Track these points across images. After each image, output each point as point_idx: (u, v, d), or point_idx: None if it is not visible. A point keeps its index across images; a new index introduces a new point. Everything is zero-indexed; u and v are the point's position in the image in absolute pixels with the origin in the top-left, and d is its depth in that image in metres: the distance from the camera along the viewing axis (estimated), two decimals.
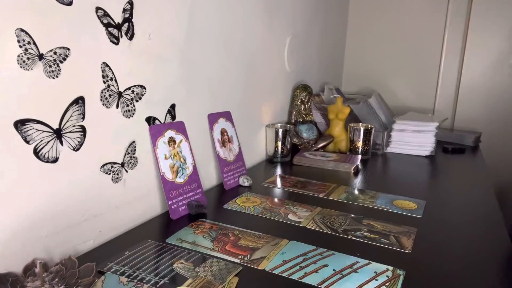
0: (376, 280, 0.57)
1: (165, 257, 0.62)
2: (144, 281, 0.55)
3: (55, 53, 0.56)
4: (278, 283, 0.57)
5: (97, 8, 0.62)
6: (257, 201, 0.88)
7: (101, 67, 0.64)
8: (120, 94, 0.69)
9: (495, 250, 0.69)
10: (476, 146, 1.53)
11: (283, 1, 1.26)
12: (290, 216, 0.79)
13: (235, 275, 0.57)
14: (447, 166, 1.27)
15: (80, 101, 0.61)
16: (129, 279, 0.55)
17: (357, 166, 1.16)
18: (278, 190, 0.97)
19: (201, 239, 0.69)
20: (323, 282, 0.56)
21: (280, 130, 1.20)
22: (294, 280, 0.57)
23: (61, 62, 0.57)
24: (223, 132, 0.99)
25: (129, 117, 0.72)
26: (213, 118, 0.96)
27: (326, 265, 0.61)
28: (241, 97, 1.09)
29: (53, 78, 0.57)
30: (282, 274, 0.58)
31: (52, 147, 0.58)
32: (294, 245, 0.67)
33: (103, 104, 0.66)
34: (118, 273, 0.56)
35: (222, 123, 0.99)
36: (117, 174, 0.70)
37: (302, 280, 0.57)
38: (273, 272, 0.59)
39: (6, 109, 0.51)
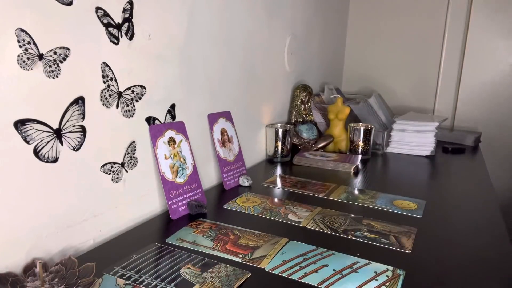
0: (376, 280, 0.57)
1: (173, 261, 0.61)
2: (150, 287, 0.54)
3: (55, 53, 0.56)
4: (278, 283, 0.57)
5: (97, 8, 0.62)
6: (257, 201, 0.88)
7: (101, 67, 0.64)
8: (120, 94, 0.69)
9: (495, 250, 0.69)
10: (476, 146, 1.53)
11: (283, 1, 1.27)
12: (290, 216, 0.79)
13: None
14: (447, 166, 1.27)
15: (80, 101, 0.61)
16: (126, 282, 0.55)
17: (357, 166, 1.16)
18: (278, 190, 0.97)
19: (201, 239, 0.69)
20: (323, 282, 0.56)
21: (280, 130, 1.20)
22: (294, 280, 0.57)
23: (61, 62, 0.57)
24: (223, 132, 0.99)
25: (129, 117, 0.72)
26: (213, 118, 0.96)
27: (326, 265, 0.61)
28: (241, 97, 1.09)
29: (53, 78, 0.57)
30: (282, 274, 0.58)
31: (52, 147, 0.58)
32: (294, 245, 0.67)
33: (103, 104, 0.66)
34: (124, 277, 0.56)
35: (222, 123, 0.99)
36: (117, 174, 0.70)
37: (302, 280, 0.57)
38: (273, 272, 0.59)
39: (6, 109, 0.51)
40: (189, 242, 0.68)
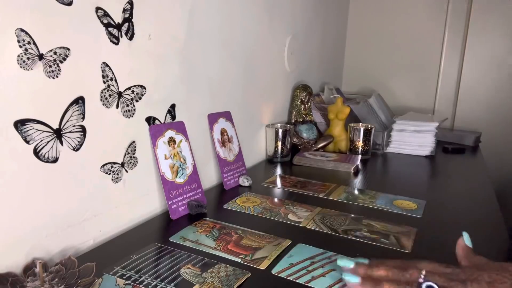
0: None
1: (173, 261, 0.61)
2: (150, 287, 0.54)
3: (55, 53, 0.56)
4: (278, 283, 0.57)
5: (97, 8, 0.62)
6: (257, 201, 0.88)
7: (101, 67, 0.64)
8: (120, 94, 0.69)
9: (495, 250, 0.69)
10: (476, 146, 1.53)
11: (283, 1, 1.27)
12: (290, 216, 0.79)
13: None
14: (447, 166, 1.27)
15: (80, 101, 0.61)
16: (126, 282, 0.55)
17: (357, 166, 1.16)
18: (278, 190, 0.97)
19: (203, 238, 0.69)
20: (330, 286, 0.56)
21: (280, 130, 1.20)
22: (296, 282, 0.57)
23: (61, 62, 0.57)
24: (223, 132, 0.99)
25: (129, 117, 0.72)
26: (213, 118, 0.96)
27: (334, 269, 0.60)
28: (241, 97, 1.09)
29: (53, 78, 0.57)
30: (289, 278, 0.58)
31: (52, 147, 0.58)
32: (302, 248, 0.67)
33: (103, 104, 0.66)
34: (124, 277, 0.56)
35: (222, 123, 0.99)
36: (117, 174, 0.70)
37: (309, 284, 0.56)
38: (279, 275, 0.58)
39: (6, 109, 0.51)
40: (191, 241, 0.68)
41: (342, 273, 0.53)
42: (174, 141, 0.81)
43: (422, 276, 0.48)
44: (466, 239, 0.55)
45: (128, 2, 0.68)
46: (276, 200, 0.89)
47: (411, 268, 0.50)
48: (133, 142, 0.73)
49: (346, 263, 0.54)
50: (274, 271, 0.59)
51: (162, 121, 0.80)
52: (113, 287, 0.54)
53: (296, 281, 0.57)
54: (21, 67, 0.52)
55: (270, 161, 1.22)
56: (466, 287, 0.45)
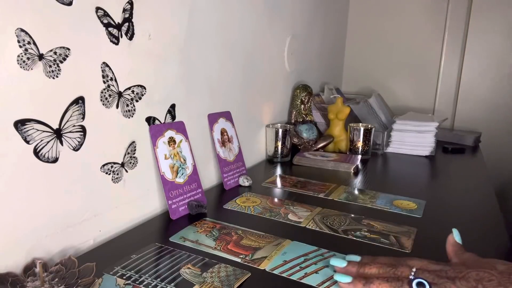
0: None
1: (173, 261, 0.61)
2: (150, 287, 0.54)
3: (55, 53, 0.56)
4: (278, 283, 0.57)
5: (97, 8, 0.62)
6: (257, 201, 0.88)
7: (101, 67, 0.64)
8: (120, 94, 0.69)
9: (495, 250, 0.69)
10: (476, 146, 1.53)
11: (283, 1, 1.27)
12: (290, 216, 0.79)
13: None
14: (447, 166, 1.27)
15: (80, 101, 0.61)
16: (126, 282, 0.55)
17: (357, 166, 1.16)
18: (278, 190, 0.97)
19: (204, 238, 0.69)
20: (323, 282, 0.56)
21: (280, 130, 1.20)
22: (294, 280, 0.57)
23: (61, 62, 0.57)
24: (223, 132, 0.99)
25: (129, 117, 0.72)
26: (213, 118, 0.96)
27: (327, 266, 0.60)
28: (241, 97, 1.09)
29: (53, 78, 0.57)
30: (282, 274, 0.58)
31: (52, 147, 0.58)
32: (295, 246, 0.67)
33: (103, 104, 0.66)
34: (124, 277, 0.56)
35: (222, 123, 0.99)
36: (117, 174, 0.70)
37: (302, 281, 0.57)
38: (273, 272, 0.59)
39: (6, 109, 0.51)
40: (191, 241, 0.68)
41: (334, 274, 0.55)
42: (174, 141, 0.81)
43: (413, 273, 0.49)
44: (456, 235, 0.57)
45: (128, 2, 0.68)
46: (276, 200, 0.89)
47: (402, 265, 0.51)
48: (133, 142, 0.73)
49: (338, 262, 0.56)
50: (268, 268, 0.60)
51: (162, 121, 0.80)
52: (113, 287, 0.54)
53: (290, 277, 0.57)
54: (21, 67, 0.52)
55: (270, 161, 1.22)
56: (455, 284, 0.46)
